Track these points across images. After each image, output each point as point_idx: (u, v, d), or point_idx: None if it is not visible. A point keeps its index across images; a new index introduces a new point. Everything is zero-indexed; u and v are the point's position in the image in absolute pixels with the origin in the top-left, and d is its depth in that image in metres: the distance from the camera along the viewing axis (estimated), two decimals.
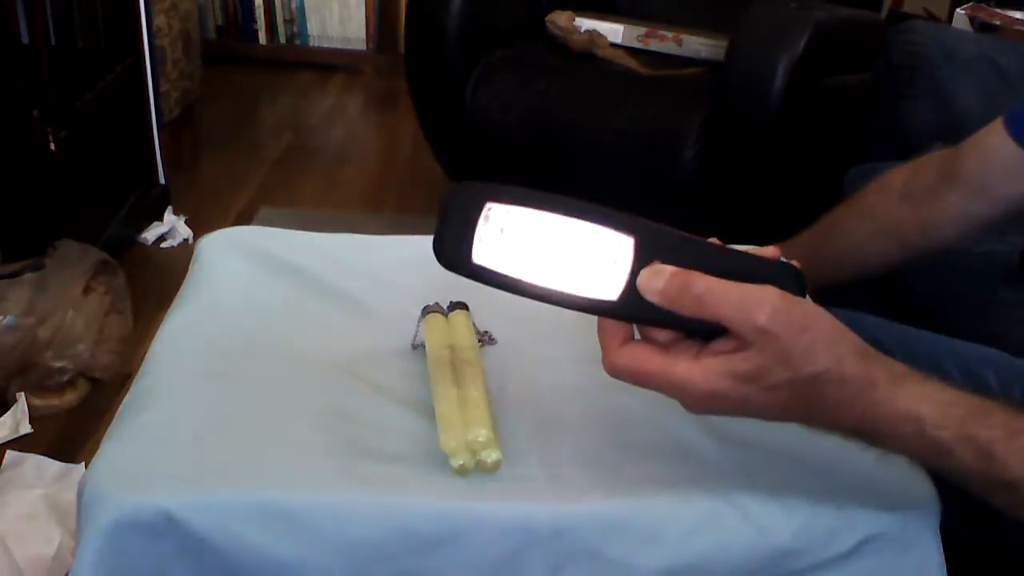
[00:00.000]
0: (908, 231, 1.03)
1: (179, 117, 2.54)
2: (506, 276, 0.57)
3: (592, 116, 2.07)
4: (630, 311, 0.57)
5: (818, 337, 0.55)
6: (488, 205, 0.56)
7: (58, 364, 1.60)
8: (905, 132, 1.72)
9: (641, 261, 0.57)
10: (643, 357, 0.58)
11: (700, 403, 0.57)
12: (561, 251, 0.57)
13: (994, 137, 0.94)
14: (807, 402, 0.56)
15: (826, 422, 0.58)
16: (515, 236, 0.56)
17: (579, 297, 0.58)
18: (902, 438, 0.57)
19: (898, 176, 1.05)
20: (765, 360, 0.55)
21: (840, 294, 1.04)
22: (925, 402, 0.57)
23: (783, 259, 0.60)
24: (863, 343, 0.58)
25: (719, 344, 0.56)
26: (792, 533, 0.60)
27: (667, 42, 2.26)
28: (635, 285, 0.57)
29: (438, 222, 0.56)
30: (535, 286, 0.57)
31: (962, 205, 0.98)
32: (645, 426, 0.67)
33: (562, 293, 0.58)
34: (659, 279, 0.57)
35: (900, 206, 1.03)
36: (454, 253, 0.56)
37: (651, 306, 0.56)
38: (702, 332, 0.57)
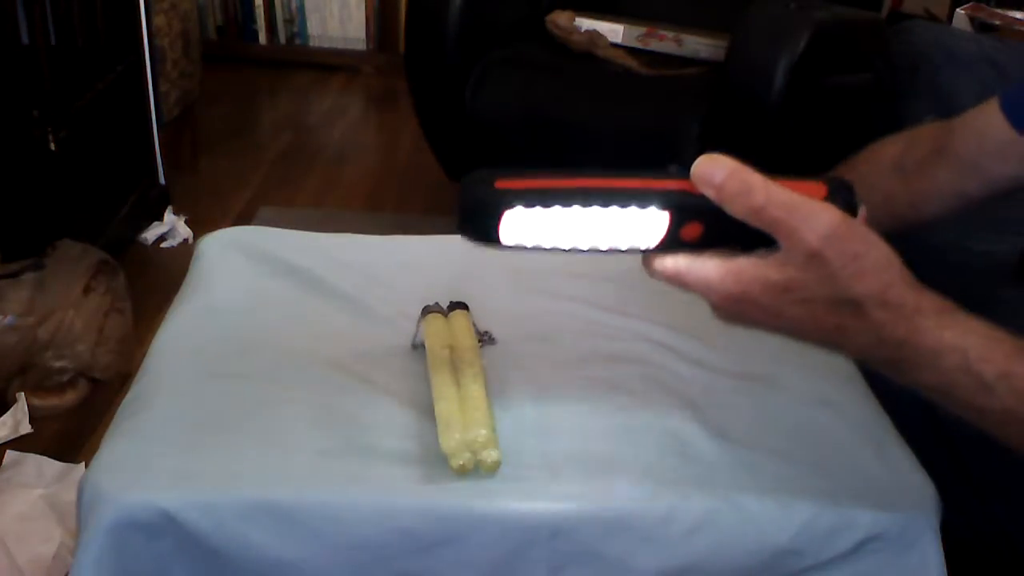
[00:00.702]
0: (899, 204, 1.02)
1: (179, 117, 2.54)
2: (540, 248, 0.57)
3: (592, 116, 2.07)
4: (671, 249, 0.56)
5: (868, 265, 0.54)
6: (506, 214, 0.55)
7: (58, 364, 1.60)
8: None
9: (677, 228, 0.56)
10: (677, 257, 0.57)
11: (726, 304, 0.56)
12: (591, 233, 0.57)
13: (988, 116, 0.93)
14: (843, 324, 0.55)
15: (860, 347, 0.56)
16: (540, 232, 0.56)
17: (616, 250, 0.57)
18: (943, 371, 0.55)
19: (891, 148, 1.04)
20: (806, 277, 0.54)
21: None
22: (972, 335, 0.56)
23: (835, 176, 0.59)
24: (911, 274, 0.57)
25: (760, 251, 0.55)
26: (792, 533, 0.60)
27: (667, 42, 2.26)
28: (676, 234, 0.56)
29: (459, 215, 0.56)
30: (569, 250, 0.57)
31: (953, 182, 0.98)
32: (645, 426, 0.67)
33: (597, 250, 0.57)
34: (719, 171, 0.55)
35: (891, 178, 1.02)
36: (481, 237, 0.56)
37: (692, 243, 0.55)
38: (745, 245, 0.55)
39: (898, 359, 0.56)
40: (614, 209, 0.56)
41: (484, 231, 0.56)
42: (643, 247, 0.56)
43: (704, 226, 0.56)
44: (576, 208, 0.56)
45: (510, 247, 0.56)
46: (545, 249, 0.57)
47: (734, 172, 0.55)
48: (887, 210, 1.04)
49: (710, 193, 0.55)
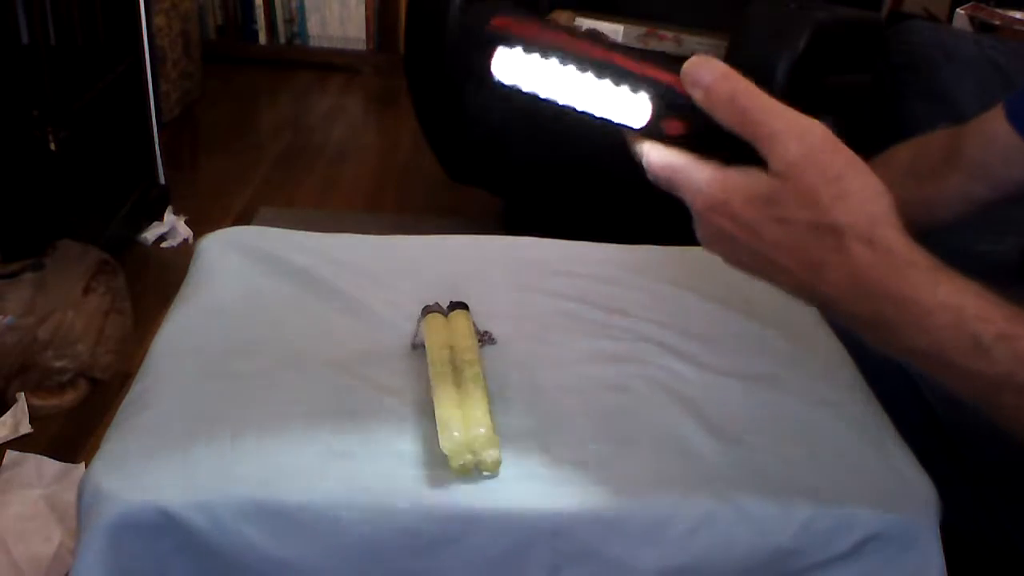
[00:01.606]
0: (912, 208, 1.03)
1: (179, 117, 2.55)
2: (535, 95, 0.58)
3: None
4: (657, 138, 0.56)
5: (852, 189, 0.51)
6: (499, 50, 0.56)
7: (58, 364, 1.60)
8: (905, 132, 1.71)
9: (658, 120, 0.55)
10: (675, 153, 0.56)
11: (709, 215, 0.54)
12: (584, 96, 0.57)
13: (994, 122, 0.94)
14: (822, 258, 0.52)
15: (838, 294, 0.53)
16: (535, 79, 0.57)
17: (608, 121, 0.57)
18: (934, 329, 0.52)
19: (904, 153, 1.05)
20: (785, 189, 0.52)
21: None
22: (969, 295, 0.52)
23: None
24: (901, 222, 0.54)
25: (747, 166, 0.54)
26: (792, 533, 0.60)
27: (667, 42, 2.26)
28: (658, 126, 0.55)
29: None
30: (558, 104, 0.58)
31: (964, 187, 0.99)
32: (645, 426, 0.67)
33: (591, 115, 0.57)
34: (707, 73, 0.53)
35: (905, 183, 1.03)
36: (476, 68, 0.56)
37: (675, 139, 0.55)
38: (730, 155, 0.54)
39: (879, 315, 0.52)
40: (606, 83, 0.56)
41: (479, 62, 0.57)
42: (634, 126, 0.56)
43: (688, 125, 0.55)
44: (571, 68, 0.56)
45: (505, 85, 0.57)
46: (539, 98, 0.57)
47: (723, 76, 0.53)
48: (902, 214, 1.04)
49: (697, 95, 0.53)
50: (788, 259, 0.53)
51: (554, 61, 0.56)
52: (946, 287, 0.52)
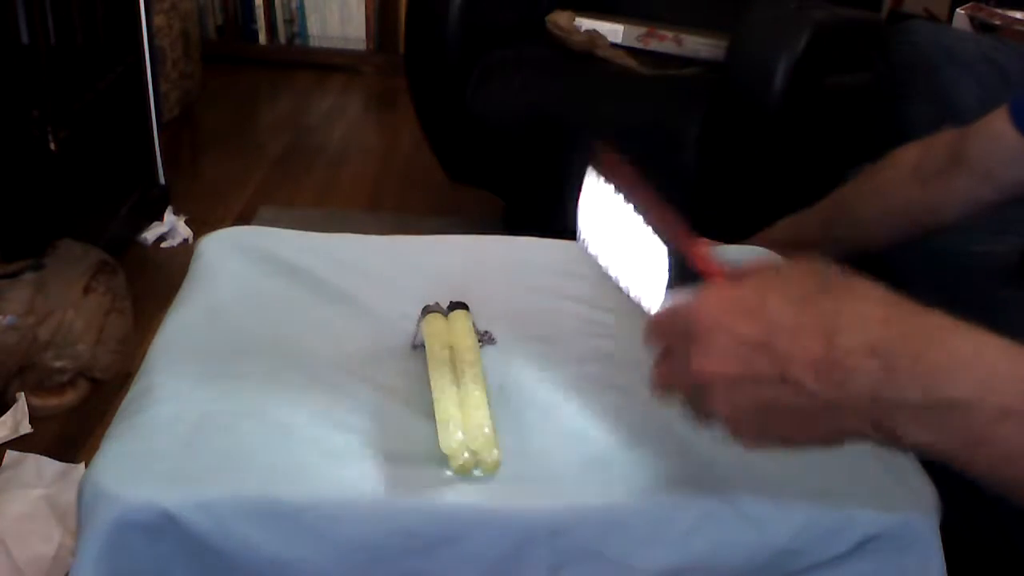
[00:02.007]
0: (918, 210, 1.04)
1: (179, 117, 2.55)
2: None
3: (592, 116, 2.07)
4: None
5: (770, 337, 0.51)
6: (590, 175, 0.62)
7: (58, 364, 1.60)
8: (905, 132, 1.72)
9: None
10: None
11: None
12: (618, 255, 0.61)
13: (999, 124, 0.95)
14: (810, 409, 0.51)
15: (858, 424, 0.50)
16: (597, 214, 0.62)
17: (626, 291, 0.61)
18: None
19: (909, 156, 1.06)
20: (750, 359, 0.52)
21: None
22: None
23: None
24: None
25: None
26: (792, 533, 0.60)
27: (667, 42, 2.26)
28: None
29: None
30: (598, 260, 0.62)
31: (969, 188, 0.99)
32: (645, 426, 0.67)
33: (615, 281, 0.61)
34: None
35: (910, 186, 1.04)
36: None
37: None
38: None
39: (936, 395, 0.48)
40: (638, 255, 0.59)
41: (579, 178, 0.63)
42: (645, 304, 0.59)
43: None
44: (626, 213, 0.59)
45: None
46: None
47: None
48: (908, 216, 1.05)
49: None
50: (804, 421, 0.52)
51: (620, 198, 0.60)
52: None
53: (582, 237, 0.65)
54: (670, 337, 0.56)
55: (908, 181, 1.04)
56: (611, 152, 0.62)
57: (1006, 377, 0.47)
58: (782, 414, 0.51)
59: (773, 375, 0.51)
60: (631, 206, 0.59)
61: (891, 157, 1.09)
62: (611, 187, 0.61)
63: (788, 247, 0.95)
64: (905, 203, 1.05)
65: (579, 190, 0.63)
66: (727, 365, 0.52)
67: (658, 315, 0.57)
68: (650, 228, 0.58)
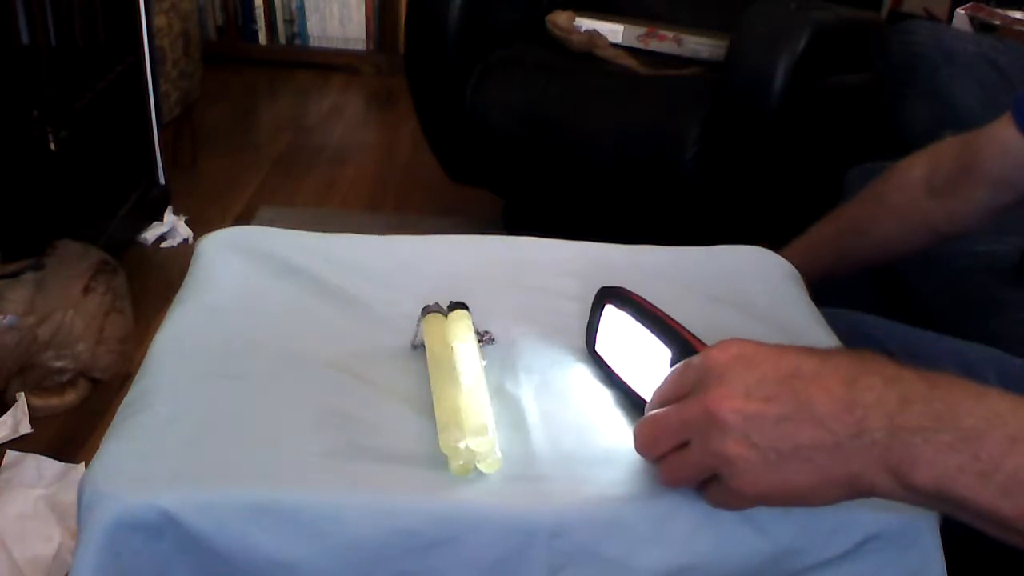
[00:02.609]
0: (936, 223, 1.05)
1: (179, 117, 2.55)
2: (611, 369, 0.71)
3: (592, 116, 2.07)
4: None
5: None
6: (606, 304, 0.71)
7: (58, 364, 1.60)
8: (905, 132, 1.72)
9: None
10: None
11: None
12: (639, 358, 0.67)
13: (1007, 132, 0.95)
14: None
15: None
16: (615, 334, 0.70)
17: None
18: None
19: (916, 171, 1.06)
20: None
21: (840, 294, 1.04)
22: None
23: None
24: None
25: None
26: (792, 533, 0.60)
27: (667, 42, 2.26)
28: None
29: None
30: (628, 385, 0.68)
31: (988, 199, 1.00)
32: None
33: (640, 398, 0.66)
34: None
35: (925, 202, 1.05)
36: (588, 340, 0.73)
37: None
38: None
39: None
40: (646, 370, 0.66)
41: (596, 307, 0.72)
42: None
43: None
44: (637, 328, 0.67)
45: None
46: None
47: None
48: (928, 230, 1.06)
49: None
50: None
51: (633, 320, 0.68)
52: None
53: (598, 353, 0.72)
54: (681, 388, 0.56)
55: (922, 197, 1.05)
56: (624, 289, 0.70)
57: (1009, 414, 0.49)
58: (796, 455, 0.51)
59: (793, 412, 0.51)
60: (641, 324, 0.66)
61: (895, 172, 1.09)
62: (625, 313, 0.68)
63: (801, 271, 0.94)
64: (923, 219, 1.05)
65: (593, 318, 0.72)
66: (748, 401, 0.52)
67: (669, 374, 0.59)
68: (656, 336, 0.64)
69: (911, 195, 1.06)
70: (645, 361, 0.65)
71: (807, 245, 1.12)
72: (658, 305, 0.67)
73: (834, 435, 0.51)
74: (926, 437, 0.49)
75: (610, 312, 0.70)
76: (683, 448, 0.55)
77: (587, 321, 0.73)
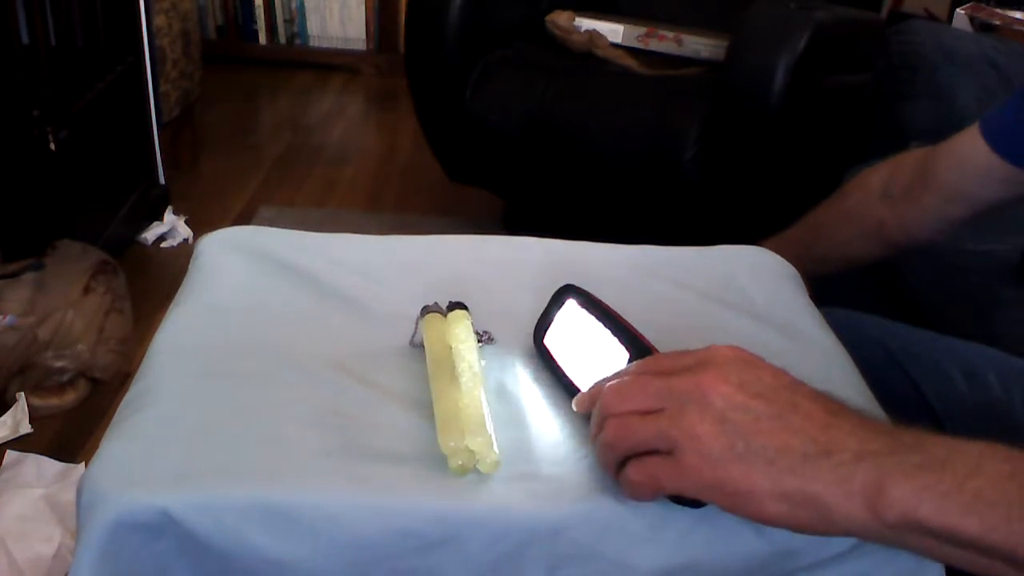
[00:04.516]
0: (889, 231, 1.05)
1: (179, 117, 2.55)
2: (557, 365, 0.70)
3: (592, 116, 2.07)
4: None
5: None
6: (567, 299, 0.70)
7: (58, 364, 1.60)
8: (905, 131, 1.72)
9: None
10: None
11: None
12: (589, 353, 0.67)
13: (970, 142, 0.95)
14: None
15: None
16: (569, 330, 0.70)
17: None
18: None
19: (878, 176, 1.07)
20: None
21: (840, 294, 1.04)
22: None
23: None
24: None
25: None
26: (790, 533, 0.60)
27: (667, 42, 2.26)
28: None
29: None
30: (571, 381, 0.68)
31: (939, 207, 1.00)
32: None
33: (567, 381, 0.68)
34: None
35: (879, 206, 1.05)
36: (536, 332, 0.73)
37: None
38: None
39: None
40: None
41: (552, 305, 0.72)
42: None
43: None
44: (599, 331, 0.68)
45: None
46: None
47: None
48: (880, 237, 1.06)
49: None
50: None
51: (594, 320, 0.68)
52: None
53: (544, 346, 0.72)
54: (672, 366, 0.56)
55: (877, 202, 1.06)
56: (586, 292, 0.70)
57: (972, 447, 0.50)
58: (762, 454, 0.51)
59: (775, 415, 0.52)
60: (602, 325, 0.66)
61: (859, 178, 1.10)
62: (586, 312, 0.68)
63: None
64: (877, 224, 1.06)
65: (549, 312, 0.72)
66: (738, 391, 0.53)
67: (659, 355, 0.60)
68: (616, 337, 0.65)
69: (867, 199, 1.07)
70: (598, 360, 0.65)
71: (774, 244, 1.13)
72: (657, 305, 0.68)
73: (804, 448, 0.51)
74: (893, 460, 0.49)
75: (570, 308, 0.70)
76: (648, 413, 0.55)
77: (541, 313, 0.73)
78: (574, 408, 0.63)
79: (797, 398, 0.53)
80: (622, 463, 0.56)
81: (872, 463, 0.50)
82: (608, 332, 0.66)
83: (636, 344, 0.64)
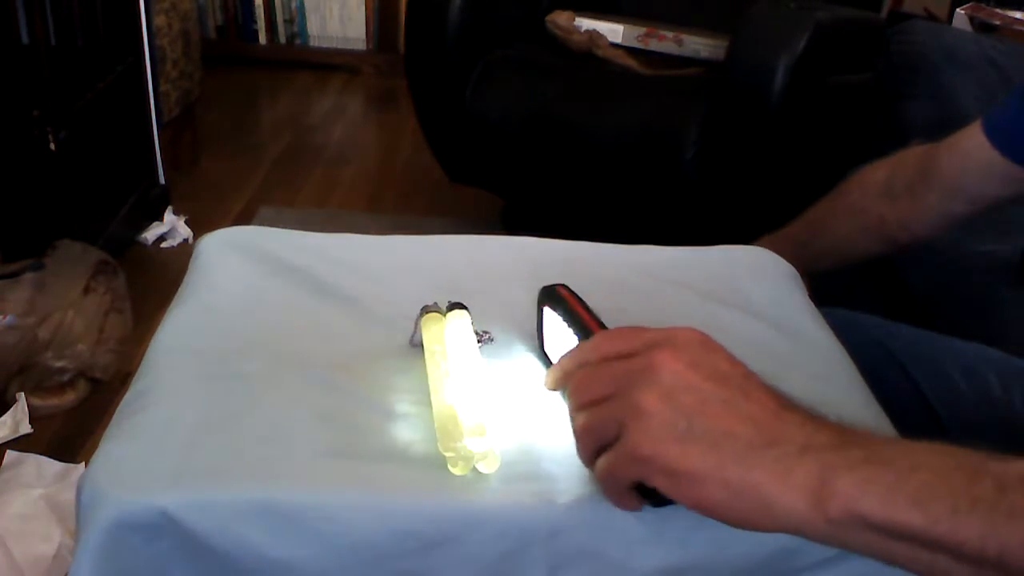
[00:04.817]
0: (889, 227, 1.05)
1: (179, 117, 2.55)
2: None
3: (592, 116, 2.07)
4: None
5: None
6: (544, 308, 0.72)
7: (58, 364, 1.60)
8: (906, 132, 1.72)
9: None
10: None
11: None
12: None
13: (972, 139, 0.95)
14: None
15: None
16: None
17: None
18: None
19: (879, 173, 1.07)
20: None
21: (840, 294, 1.04)
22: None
23: None
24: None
25: None
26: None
27: (667, 42, 2.26)
28: None
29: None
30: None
31: (940, 204, 1.00)
32: None
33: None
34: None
35: (880, 203, 1.05)
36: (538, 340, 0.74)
37: None
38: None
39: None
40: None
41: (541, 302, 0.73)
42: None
43: None
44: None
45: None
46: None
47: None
48: (880, 233, 1.06)
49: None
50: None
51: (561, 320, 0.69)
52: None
53: (546, 354, 0.73)
54: (629, 345, 0.56)
55: (878, 198, 1.05)
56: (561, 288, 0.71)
57: (916, 445, 0.50)
58: (706, 436, 0.50)
59: (725, 399, 0.51)
60: (568, 327, 0.67)
61: (860, 174, 1.10)
62: (556, 315, 0.69)
63: None
64: (878, 220, 1.06)
65: (539, 319, 0.73)
66: (690, 369, 0.52)
67: (615, 331, 0.60)
68: (571, 330, 0.66)
69: (868, 195, 1.07)
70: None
71: (772, 240, 1.13)
72: (657, 305, 0.68)
73: (749, 436, 0.50)
74: (837, 454, 0.49)
75: (548, 314, 0.71)
76: (605, 398, 0.54)
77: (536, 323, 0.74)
78: (546, 387, 0.65)
79: (749, 386, 0.52)
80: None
81: (816, 457, 0.49)
82: (572, 335, 0.67)
83: (585, 330, 0.65)
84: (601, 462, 0.54)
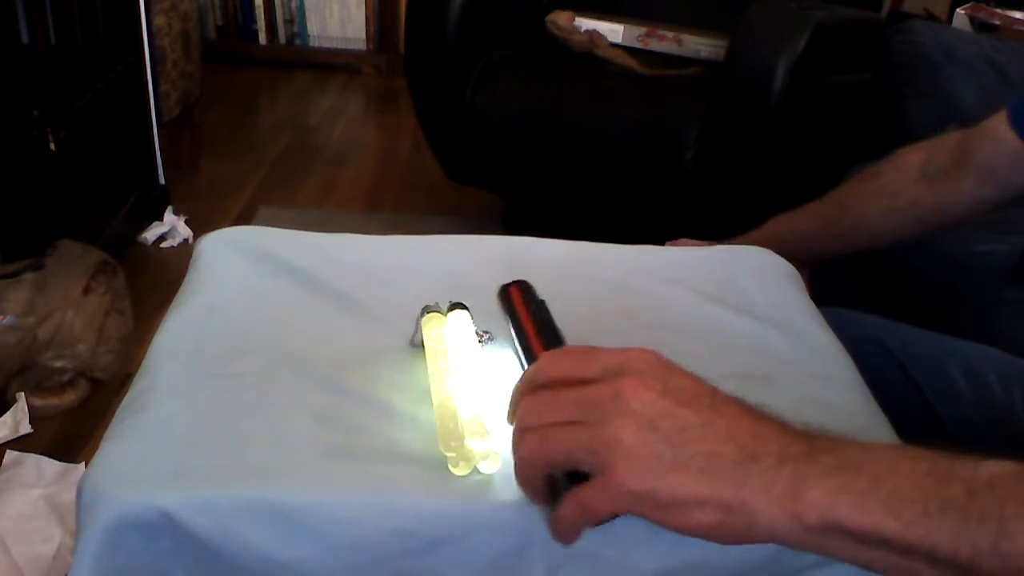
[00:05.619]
0: (924, 210, 1.05)
1: (179, 117, 2.55)
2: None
3: (592, 116, 2.07)
4: None
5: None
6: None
7: (58, 364, 1.60)
8: (905, 132, 1.72)
9: None
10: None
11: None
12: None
13: (1000, 127, 0.95)
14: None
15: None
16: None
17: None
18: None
19: (916, 156, 1.06)
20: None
21: (840, 294, 1.04)
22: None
23: None
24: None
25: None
26: None
27: (667, 42, 2.26)
28: None
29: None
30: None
31: (974, 189, 1.00)
32: None
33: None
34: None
35: (917, 186, 1.04)
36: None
37: None
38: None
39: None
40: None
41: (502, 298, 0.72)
42: None
43: None
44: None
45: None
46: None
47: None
48: (914, 215, 1.06)
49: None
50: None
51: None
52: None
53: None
54: (582, 371, 0.54)
55: (914, 181, 1.05)
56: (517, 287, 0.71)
57: (888, 449, 0.50)
58: (692, 462, 0.50)
59: (703, 423, 0.51)
60: (514, 335, 0.67)
61: (896, 157, 1.09)
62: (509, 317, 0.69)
63: (782, 244, 0.94)
64: (911, 203, 1.05)
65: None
66: (662, 397, 0.51)
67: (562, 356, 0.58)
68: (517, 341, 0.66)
69: (906, 177, 1.06)
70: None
71: (789, 216, 1.12)
72: (657, 305, 0.67)
73: (733, 454, 0.50)
74: (809, 463, 0.49)
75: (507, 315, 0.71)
76: (566, 424, 0.52)
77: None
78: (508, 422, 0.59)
79: (719, 404, 0.52)
80: (549, 486, 0.55)
81: (791, 467, 0.49)
82: (513, 338, 0.67)
83: (528, 349, 0.65)
84: (568, 505, 0.53)
